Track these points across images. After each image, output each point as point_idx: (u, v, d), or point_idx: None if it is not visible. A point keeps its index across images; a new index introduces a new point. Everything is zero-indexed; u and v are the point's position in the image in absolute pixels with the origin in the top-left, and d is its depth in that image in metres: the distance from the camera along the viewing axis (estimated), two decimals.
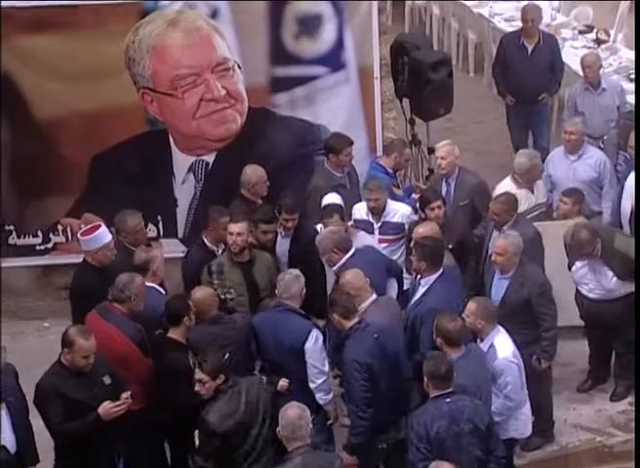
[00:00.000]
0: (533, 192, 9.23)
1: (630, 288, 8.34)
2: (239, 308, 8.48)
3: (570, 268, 8.65)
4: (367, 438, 7.59)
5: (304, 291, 8.06)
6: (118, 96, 9.87)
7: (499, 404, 7.42)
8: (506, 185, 9.23)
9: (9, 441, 7.08)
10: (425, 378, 6.99)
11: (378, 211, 8.81)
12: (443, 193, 9.15)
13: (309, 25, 9.88)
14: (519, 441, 7.86)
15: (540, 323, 8.06)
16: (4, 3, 9.43)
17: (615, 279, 8.39)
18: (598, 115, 10.28)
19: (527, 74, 10.68)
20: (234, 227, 8.56)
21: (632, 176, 9.22)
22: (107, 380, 7.26)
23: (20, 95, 9.87)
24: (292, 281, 8.01)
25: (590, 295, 8.47)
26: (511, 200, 8.67)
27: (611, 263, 8.34)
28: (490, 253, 8.63)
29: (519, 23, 12.52)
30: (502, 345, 7.47)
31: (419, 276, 8.19)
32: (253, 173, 9.11)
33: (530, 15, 10.84)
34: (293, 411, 6.74)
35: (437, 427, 6.78)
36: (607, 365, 9.21)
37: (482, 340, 7.60)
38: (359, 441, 7.58)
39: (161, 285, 8.34)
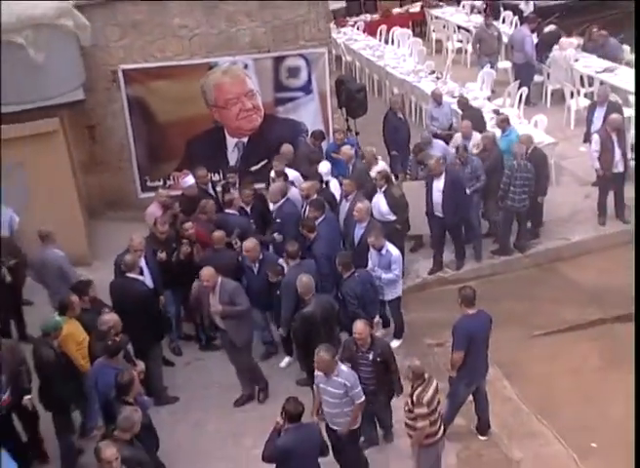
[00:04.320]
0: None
1: (393, 217, 10.27)
2: None
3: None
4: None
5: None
6: (199, 110, 12.88)
7: (390, 276, 9.21)
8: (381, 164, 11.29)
9: (149, 281, 9.48)
10: (340, 266, 8.67)
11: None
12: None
13: (293, 71, 12.87)
14: (400, 299, 9.56)
15: None
16: (142, 65, 12.43)
17: (386, 209, 10.31)
18: (443, 119, 13.49)
19: (402, 135, 12.98)
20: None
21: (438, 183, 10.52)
22: (174, 245, 9.79)
23: (150, 110, 12.92)
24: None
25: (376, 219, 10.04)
26: (355, 182, 10.16)
27: (387, 199, 10.33)
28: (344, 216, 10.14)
29: (402, 68, 16.75)
30: (392, 249, 9.42)
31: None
32: (286, 148, 11.73)
33: (398, 103, 13.08)
34: (307, 278, 7.99)
35: (359, 289, 8.61)
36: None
37: (380, 249, 9.25)
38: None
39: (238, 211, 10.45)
